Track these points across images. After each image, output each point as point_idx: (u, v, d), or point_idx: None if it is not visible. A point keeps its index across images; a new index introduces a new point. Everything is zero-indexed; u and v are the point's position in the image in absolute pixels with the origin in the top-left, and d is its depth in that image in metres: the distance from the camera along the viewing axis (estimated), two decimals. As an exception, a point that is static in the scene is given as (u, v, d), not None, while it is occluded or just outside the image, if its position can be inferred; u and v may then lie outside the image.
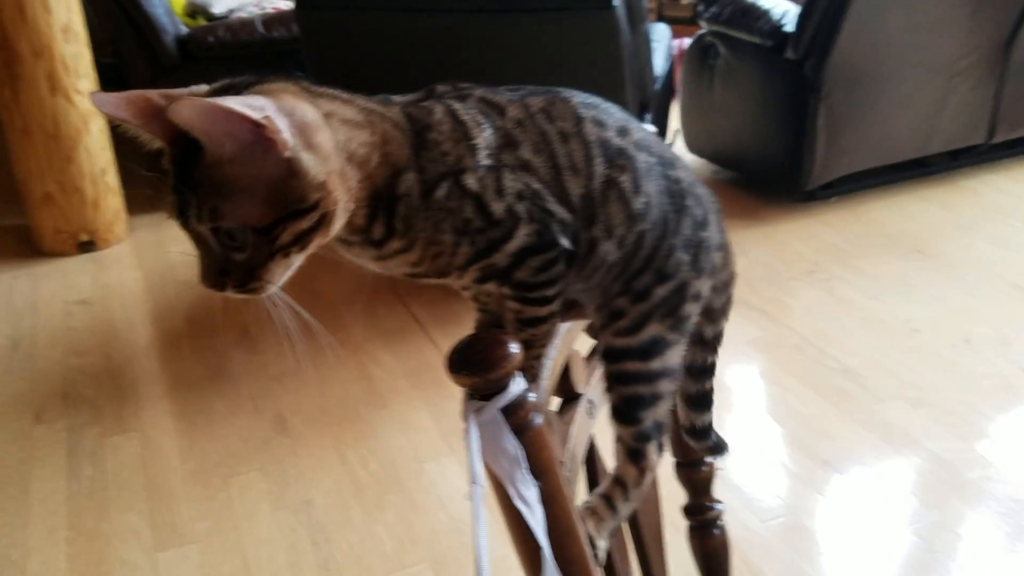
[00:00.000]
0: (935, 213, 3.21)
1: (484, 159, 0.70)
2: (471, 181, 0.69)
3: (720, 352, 0.95)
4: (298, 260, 0.66)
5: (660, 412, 0.81)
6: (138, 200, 3.53)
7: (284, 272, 0.66)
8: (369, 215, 0.68)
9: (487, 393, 0.64)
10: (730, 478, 1.98)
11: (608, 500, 0.81)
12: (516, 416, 0.64)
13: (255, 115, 0.59)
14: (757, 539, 1.81)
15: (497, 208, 0.70)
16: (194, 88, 0.66)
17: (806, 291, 2.73)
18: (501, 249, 0.71)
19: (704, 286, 0.82)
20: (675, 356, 0.80)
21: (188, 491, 2.04)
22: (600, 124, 0.75)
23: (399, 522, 1.91)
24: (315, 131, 0.63)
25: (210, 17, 4.02)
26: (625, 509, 0.82)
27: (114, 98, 0.62)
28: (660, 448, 0.83)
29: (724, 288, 0.90)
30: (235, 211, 0.62)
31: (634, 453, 0.81)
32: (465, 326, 0.79)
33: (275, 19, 3.43)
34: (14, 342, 2.70)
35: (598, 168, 0.74)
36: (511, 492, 0.64)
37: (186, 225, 0.64)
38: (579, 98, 0.76)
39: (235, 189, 0.61)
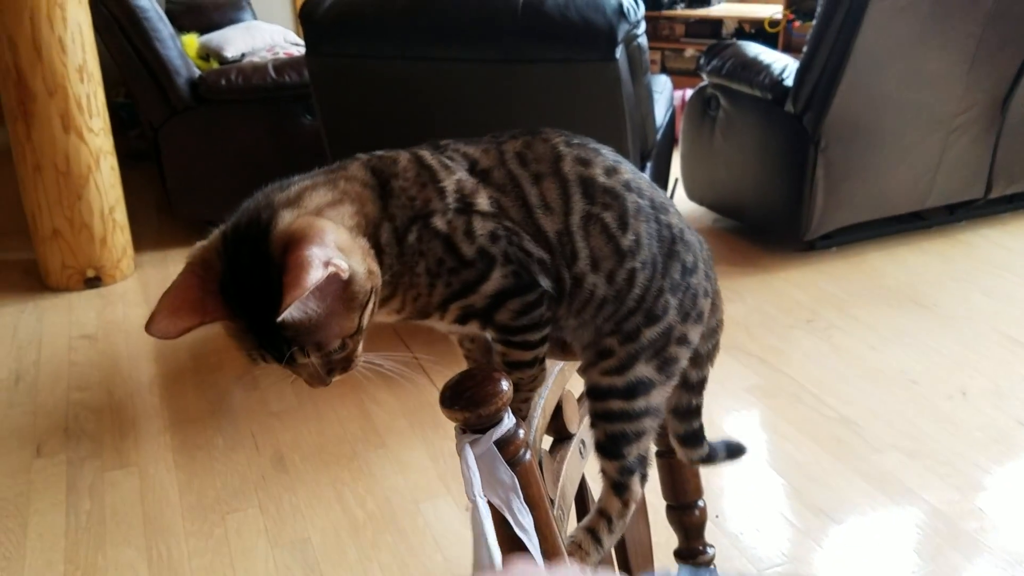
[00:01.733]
0: (932, 265, 3.24)
1: (453, 202, 0.72)
2: (439, 223, 0.72)
3: (719, 398, 0.97)
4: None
5: (643, 447, 0.83)
6: (145, 237, 3.58)
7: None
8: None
9: (478, 428, 0.66)
10: (727, 526, 1.98)
11: (592, 533, 0.83)
12: (507, 450, 0.66)
13: (328, 271, 0.64)
14: (752, 587, 1.81)
15: (468, 250, 0.72)
16: (195, 259, 0.70)
17: (804, 339, 2.75)
18: (477, 291, 0.73)
19: (692, 332, 0.83)
20: (659, 396, 0.82)
21: (186, 527, 2.05)
22: (584, 162, 0.77)
23: (394, 562, 1.91)
24: (338, 237, 0.68)
25: (222, 60, 4.10)
26: (609, 541, 0.84)
27: (167, 320, 0.67)
28: (643, 479, 0.85)
29: (711, 334, 0.91)
30: (332, 334, 0.69)
31: (618, 486, 0.83)
32: (464, 367, 0.81)
33: (286, 64, 3.50)
34: (17, 375, 2.72)
35: (576, 204, 0.75)
36: (509, 519, 0.66)
37: (292, 365, 0.71)
38: (563, 137, 0.78)
39: (324, 320, 0.68)
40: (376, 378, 0.74)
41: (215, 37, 4.30)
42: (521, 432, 0.67)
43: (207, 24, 4.60)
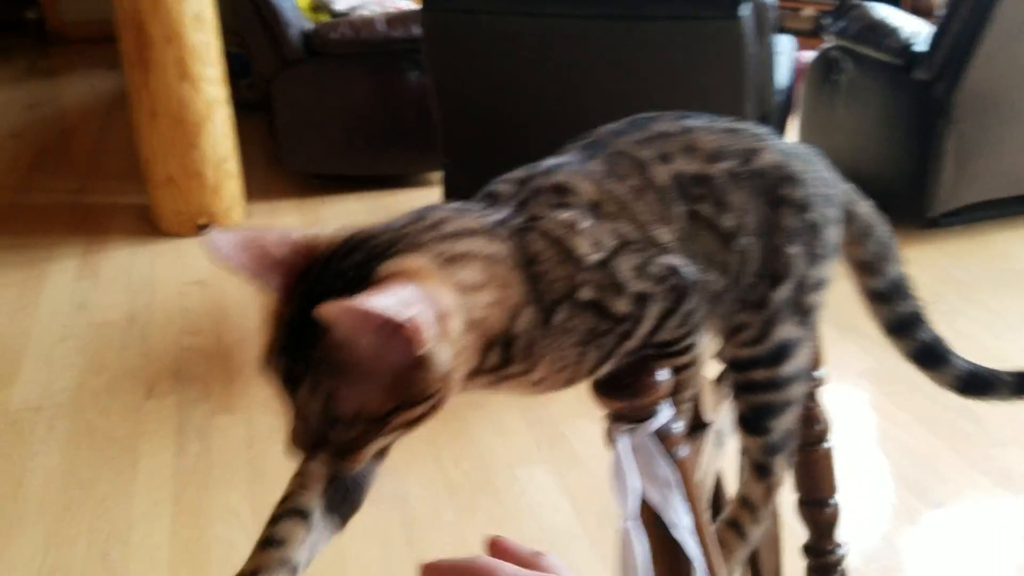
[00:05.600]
0: (1067, 250, 3.04)
1: (593, 256, 0.64)
2: (587, 293, 0.64)
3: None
4: (394, 440, 0.61)
5: (789, 420, 0.77)
6: (254, 187, 3.63)
7: (377, 450, 0.62)
8: (481, 356, 0.62)
9: (632, 419, 0.62)
10: (834, 512, 1.91)
11: (736, 525, 0.78)
12: (663, 445, 0.62)
13: (402, 316, 0.53)
14: (860, 579, 1.74)
15: (621, 305, 0.65)
16: (310, 236, 0.61)
17: (923, 322, 2.62)
18: (633, 335, 0.66)
19: (826, 270, 0.76)
20: (805, 355, 0.76)
21: (289, 475, 2.07)
22: (666, 158, 0.70)
23: (490, 526, 1.90)
24: (449, 319, 0.58)
25: (332, 13, 4.10)
26: (755, 533, 0.78)
27: (230, 243, 0.58)
28: (789, 460, 0.79)
29: (863, 237, 0.86)
30: (352, 397, 0.57)
31: (760, 468, 0.78)
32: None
33: (396, 18, 3.47)
34: (131, 318, 2.80)
35: (676, 209, 0.69)
36: (666, 519, 0.62)
37: (290, 394, 0.60)
38: (634, 137, 0.71)
39: (356, 375, 0.57)
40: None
41: (325, -12, 4.30)
42: (679, 426, 0.63)
43: (318, -25, 4.61)
